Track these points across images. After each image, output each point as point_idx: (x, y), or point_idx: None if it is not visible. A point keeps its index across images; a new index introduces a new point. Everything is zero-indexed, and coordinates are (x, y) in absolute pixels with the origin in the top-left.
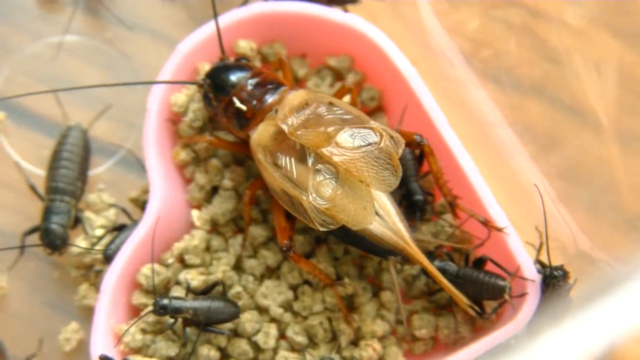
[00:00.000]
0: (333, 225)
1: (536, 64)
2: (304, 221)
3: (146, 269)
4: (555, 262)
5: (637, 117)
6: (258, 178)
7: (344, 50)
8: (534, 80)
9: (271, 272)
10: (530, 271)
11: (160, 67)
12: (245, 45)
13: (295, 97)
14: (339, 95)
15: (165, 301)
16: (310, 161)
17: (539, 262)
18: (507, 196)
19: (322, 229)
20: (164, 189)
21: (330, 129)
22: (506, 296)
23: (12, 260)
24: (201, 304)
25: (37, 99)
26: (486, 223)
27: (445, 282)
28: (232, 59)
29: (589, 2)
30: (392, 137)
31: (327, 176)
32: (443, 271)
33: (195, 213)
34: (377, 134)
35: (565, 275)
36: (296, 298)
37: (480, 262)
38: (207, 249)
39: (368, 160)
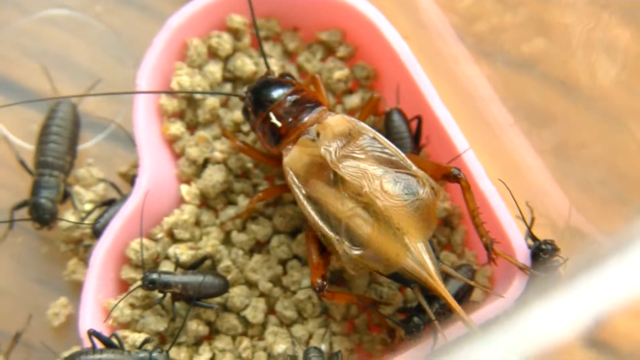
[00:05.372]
0: (364, 270)
1: (529, 40)
2: (333, 254)
3: (135, 244)
4: (547, 238)
5: (629, 92)
6: (276, 187)
7: (335, 25)
8: (527, 56)
9: (261, 247)
10: (520, 246)
11: (150, 42)
12: (239, 20)
13: (337, 123)
14: (369, 108)
15: (154, 275)
16: (347, 198)
17: (530, 236)
18: (499, 171)
19: (352, 273)
20: (153, 164)
21: (375, 168)
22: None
23: (1, 235)
24: (190, 278)
25: (26, 72)
26: (523, 268)
27: (462, 312)
28: (276, 75)
29: None
30: (432, 187)
31: (362, 221)
32: None
33: (184, 188)
34: (421, 183)
35: (554, 249)
36: (285, 273)
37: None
38: (197, 223)
39: (409, 209)
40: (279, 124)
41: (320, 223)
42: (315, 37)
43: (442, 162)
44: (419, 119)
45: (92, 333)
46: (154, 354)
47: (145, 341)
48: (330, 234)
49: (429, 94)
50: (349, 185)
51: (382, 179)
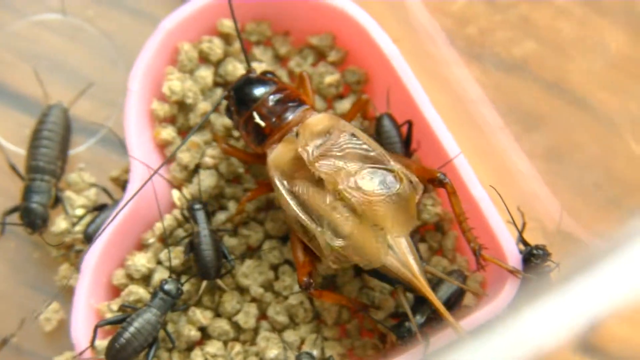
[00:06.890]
0: (346, 264)
1: (519, 42)
2: (316, 252)
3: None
4: (538, 243)
5: (621, 95)
6: (264, 185)
7: (326, 29)
8: (518, 58)
9: (252, 252)
10: (512, 252)
11: (142, 46)
12: (230, 25)
13: (317, 122)
14: (356, 108)
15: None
16: (328, 195)
17: (521, 241)
18: (490, 175)
19: (334, 267)
20: (144, 169)
21: (350, 165)
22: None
23: None
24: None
25: (19, 76)
26: (513, 272)
27: (447, 315)
28: (257, 73)
29: None
30: (411, 181)
31: (345, 214)
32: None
33: (176, 193)
34: (397, 178)
35: (545, 254)
36: (277, 278)
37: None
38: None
39: (386, 203)
40: (262, 123)
41: (303, 216)
42: (306, 42)
43: (433, 166)
44: (410, 123)
45: (99, 326)
46: (165, 286)
47: None
48: (312, 225)
49: (420, 98)
50: (327, 183)
51: (357, 176)
